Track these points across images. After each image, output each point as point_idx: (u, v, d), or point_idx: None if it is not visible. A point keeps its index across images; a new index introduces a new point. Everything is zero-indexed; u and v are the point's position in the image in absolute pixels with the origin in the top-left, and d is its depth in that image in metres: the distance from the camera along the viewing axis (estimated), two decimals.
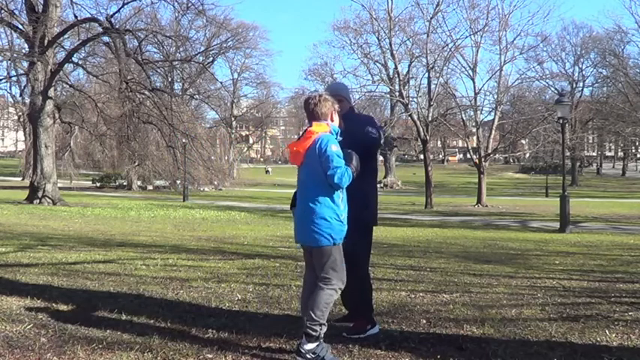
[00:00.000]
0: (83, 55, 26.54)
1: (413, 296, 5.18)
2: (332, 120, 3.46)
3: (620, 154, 77.00)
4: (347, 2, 68.74)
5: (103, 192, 39.71)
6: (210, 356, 3.31)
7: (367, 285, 3.91)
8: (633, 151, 73.33)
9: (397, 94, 31.95)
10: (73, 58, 24.51)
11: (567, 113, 17.35)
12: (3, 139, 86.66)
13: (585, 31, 58.66)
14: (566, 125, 20.26)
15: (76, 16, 23.59)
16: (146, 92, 24.13)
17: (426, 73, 31.48)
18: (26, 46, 23.40)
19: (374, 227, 3.95)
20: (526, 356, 3.41)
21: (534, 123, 34.30)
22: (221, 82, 49.08)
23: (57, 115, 25.74)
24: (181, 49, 38.29)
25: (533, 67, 39.94)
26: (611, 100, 50.72)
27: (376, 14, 31.36)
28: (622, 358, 3.38)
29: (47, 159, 22.81)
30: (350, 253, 3.49)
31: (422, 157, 36.06)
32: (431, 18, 29.91)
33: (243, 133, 74.91)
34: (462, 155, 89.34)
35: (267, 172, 72.21)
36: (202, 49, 49.63)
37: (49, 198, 22.62)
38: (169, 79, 40.35)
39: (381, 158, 53.72)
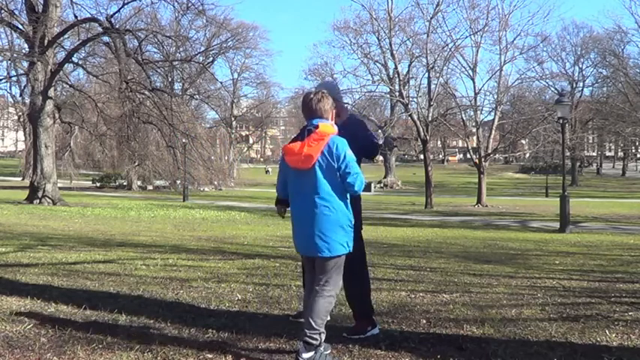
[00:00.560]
0: (83, 55, 26.60)
1: (413, 296, 5.17)
2: (332, 119, 3.36)
3: (620, 154, 76.95)
4: (347, 2, 68.92)
5: (103, 192, 39.72)
6: (210, 356, 3.30)
7: (366, 287, 3.91)
8: (633, 151, 73.32)
9: (397, 94, 31.96)
10: (73, 58, 24.52)
11: (567, 113, 17.34)
12: (3, 139, 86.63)
13: (585, 31, 58.85)
14: (566, 125, 20.25)
15: (76, 16, 23.62)
16: (146, 92, 24.12)
17: (426, 73, 31.51)
18: (26, 46, 23.40)
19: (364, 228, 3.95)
20: (526, 356, 3.40)
21: (534, 123, 34.29)
22: (221, 82, 49.20)
23: (57, 115, 25.73)
24: (181, 49, 38.30)
25: (533, 67, 39.96)
26: (611, 100, 50.73)
27: (376, 14, 31.47)
28: (622, 358, 3.38)
29: (47, 159, 22.81)
30: (347, 259, 3.46)
31: (422, 157, 36.04)
32: (431, 18, 29.95)
33: (243, 133, 74.92)
34: (462, 155, 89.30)
35: (267, 172, 72.14)
36: (202, 49, 49.65)
37: (49, 198, 22.63)
38: (169, 79, 40.30)
39: (381, 158, 53.76)
